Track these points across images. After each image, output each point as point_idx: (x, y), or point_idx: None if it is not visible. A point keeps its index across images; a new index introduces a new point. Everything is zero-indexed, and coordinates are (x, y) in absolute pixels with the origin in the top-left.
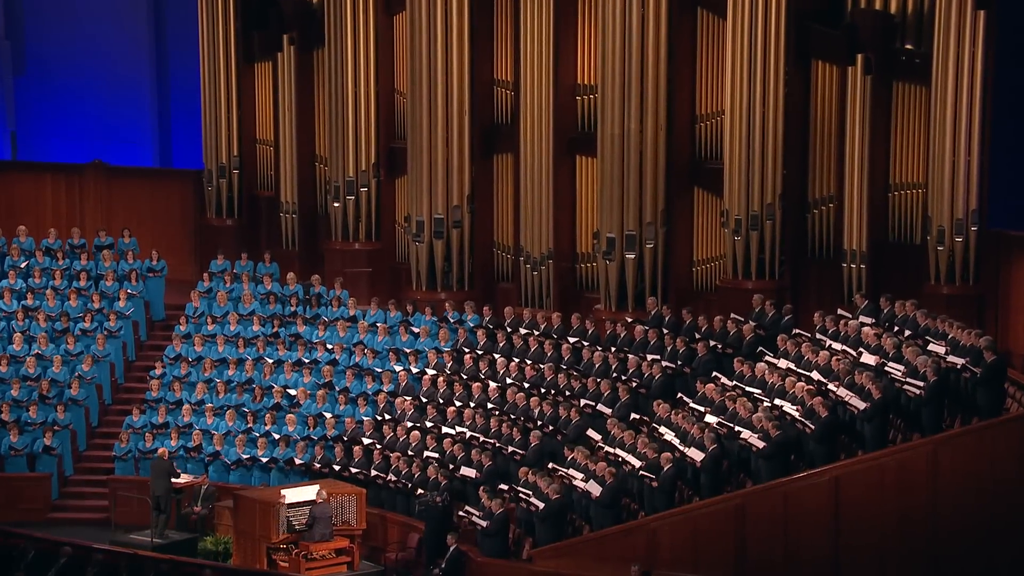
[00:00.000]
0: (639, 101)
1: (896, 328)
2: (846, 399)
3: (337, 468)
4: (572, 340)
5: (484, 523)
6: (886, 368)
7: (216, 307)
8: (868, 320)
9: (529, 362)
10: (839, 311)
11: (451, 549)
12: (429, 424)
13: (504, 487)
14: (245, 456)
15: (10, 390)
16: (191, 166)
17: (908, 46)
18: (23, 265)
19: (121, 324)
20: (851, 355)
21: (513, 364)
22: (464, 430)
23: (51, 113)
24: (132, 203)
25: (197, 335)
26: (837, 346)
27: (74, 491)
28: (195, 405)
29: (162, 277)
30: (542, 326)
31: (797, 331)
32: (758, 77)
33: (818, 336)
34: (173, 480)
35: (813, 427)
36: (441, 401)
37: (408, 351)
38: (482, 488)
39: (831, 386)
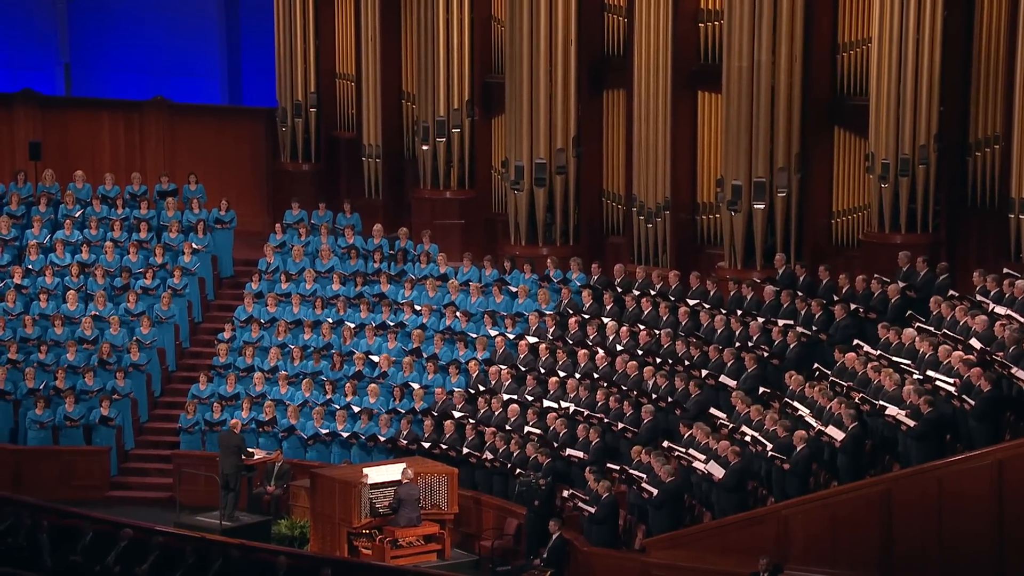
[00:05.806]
0: (771, 28)
1: None
2: (1012, 371)
3: (426, 445)
4: (691, 302)
5: (591, 508)
6: None
7: (291, 263)
8: None
9: (642, 327)
10: (1004, 269)
11: (554, 537)
12: (529, 397)
13: (614, 468)
14: (323, 431)
15: (65, 354)
16: (263, 104)
17: None
18: (78, 214)
19: (186, 281)
20: (1018, 320)
21: (624, 329)
22: (568, 404)
23: (108, 44)
24: (198, 145)
25: (270, 294)
26: (1001, 310)
27: (135, 467)
28: (268, 373)
29: (231, 229)
30: (657, 286)
31: (953, 292)
32: None
33: (978, 298)
34: (244, 458)
35: (972, 403)
36: (542, 371)
37: (505, 314)
38: (589, 469)
39: (994, 356)
